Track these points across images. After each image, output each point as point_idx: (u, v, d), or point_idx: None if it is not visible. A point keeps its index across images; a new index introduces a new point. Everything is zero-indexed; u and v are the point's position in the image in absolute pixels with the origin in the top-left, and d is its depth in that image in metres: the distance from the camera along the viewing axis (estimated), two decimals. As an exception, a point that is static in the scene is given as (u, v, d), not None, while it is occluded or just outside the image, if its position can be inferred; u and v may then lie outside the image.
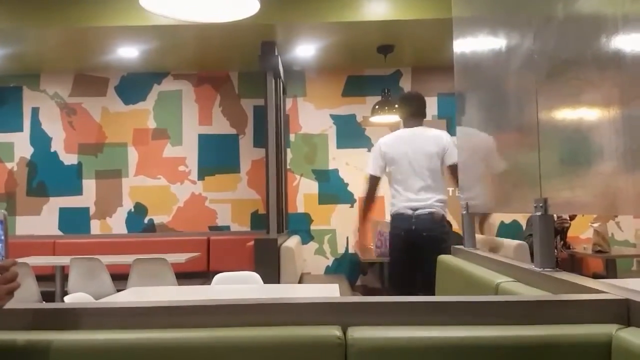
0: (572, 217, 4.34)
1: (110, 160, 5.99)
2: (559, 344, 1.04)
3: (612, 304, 1.11)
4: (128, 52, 5.30)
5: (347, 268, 5.85)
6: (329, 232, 5.88)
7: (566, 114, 1.51)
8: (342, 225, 5.86)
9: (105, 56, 5.39)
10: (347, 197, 5.88)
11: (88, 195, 5.96)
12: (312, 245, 5.89)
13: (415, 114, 3.56)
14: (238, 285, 2.94)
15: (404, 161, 3.43)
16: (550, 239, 1.60)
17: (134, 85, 6.03)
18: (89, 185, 5.97)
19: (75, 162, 5.99)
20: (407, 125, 3.57)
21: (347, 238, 5.84)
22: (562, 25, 1.50)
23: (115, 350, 1.09)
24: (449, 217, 3.74)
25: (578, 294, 1.22)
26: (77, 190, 5.97)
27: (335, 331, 1.08)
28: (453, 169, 3.38)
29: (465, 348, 1.05)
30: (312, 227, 5.90)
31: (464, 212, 2.55)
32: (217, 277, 3.04)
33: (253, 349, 1.08)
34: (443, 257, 2.59)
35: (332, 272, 5.84)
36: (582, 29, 1.38)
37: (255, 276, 3.12)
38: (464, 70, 2.58)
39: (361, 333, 1.08)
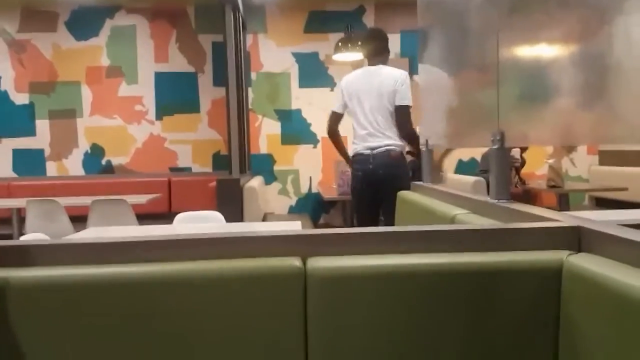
0: (523, 150, 4.44)
1: (63, 99, 5.76)
2: (511, 270, 1.08)
3: (564, 231, 1.15)
4: (77, -16, 5.00)
5: (311, 207, 5.90)
6: (292, 172, 5.89)
7: (526, 50, 1.51)
8: (305, 165, 5.86)
9: (53, -12, 5.09)
10: (310, 137, 5.85)
11: (42, 136, 5.76)
12: (276, 186, 5.90)
13: (378, 51, 3.49)
14: (200, 224, 2.93)
15: (359, 100, 3.40)
16: (505, 172, 1.64)
17: (85, 20, 5.73)
18: (43, 125, 5.76)
19: (26, 101, 5.74)
20: (370, 63, 3.52)
21: (310, 178, 5.86)
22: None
23: (75, 285, 1.07)
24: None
25: (531, 222, 1.26)
26: (31, 132, 5.75)
27: (295, 262, 1.09)
28: (398, 111, 3.32)
29: (420, 274, 1.08)
30: (275, 168, 5.88)
31: (424, 149, 2.58)
32: (179, 217, 3.03)
33: (214, 281, 1.08)
34: (402, 193, 2.63)
35: (295, 211, 5.89)
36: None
37: (218, 215, 3.11)
38: (427, 6, 2.54)
39: (320, 263, 1.09)
